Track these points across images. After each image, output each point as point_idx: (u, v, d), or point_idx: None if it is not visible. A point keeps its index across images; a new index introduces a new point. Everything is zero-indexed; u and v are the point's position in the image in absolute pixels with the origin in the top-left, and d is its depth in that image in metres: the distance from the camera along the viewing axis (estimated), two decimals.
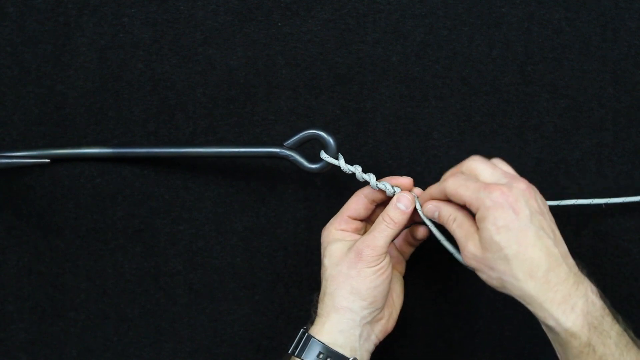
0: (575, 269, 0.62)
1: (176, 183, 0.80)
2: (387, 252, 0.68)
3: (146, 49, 0.79)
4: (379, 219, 0.68)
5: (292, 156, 0.72)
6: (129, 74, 0.79)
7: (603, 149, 0.79)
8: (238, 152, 0.74)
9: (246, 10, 0.79)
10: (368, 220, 0.73)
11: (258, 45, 0.79)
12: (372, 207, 0.71)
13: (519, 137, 0.79)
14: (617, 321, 0.62)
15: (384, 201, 0.71)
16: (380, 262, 0.67)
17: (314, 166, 0.72)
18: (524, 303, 0.62)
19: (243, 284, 0.80)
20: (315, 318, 0.69)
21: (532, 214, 0.61)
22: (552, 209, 0.68)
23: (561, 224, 0.80)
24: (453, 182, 0.65)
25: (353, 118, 0.79)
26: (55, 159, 0.77)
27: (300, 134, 0.72)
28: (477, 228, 0.63)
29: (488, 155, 0.77)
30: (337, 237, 0.70)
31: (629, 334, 0.62)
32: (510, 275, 0.60)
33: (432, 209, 0.67)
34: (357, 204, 0.71)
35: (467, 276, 0.80)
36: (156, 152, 0.76)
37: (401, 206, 0.68)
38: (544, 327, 0.63)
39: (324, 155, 0.71)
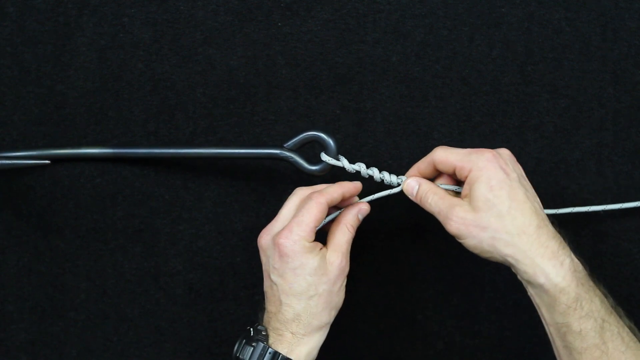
0: (558, 234, 0.64)
1: (176, 183, 0.80)
2: None
3: (146, 49, 0.79)
4: (343, 228, 0.68)
5: (292, 158, 0.72)
6: (129, 74, 0.79)
7: (603, 149, 0.79)
8: (238, 153, 0.74)
9: (246, 10, 0.79)
10: None
11: (258, 45, 0.79)
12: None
13: (519, 137, 0.79)
14: (598, 287, 0.64)
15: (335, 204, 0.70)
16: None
17: (314, 168, 0.72)
18: (514, 262, 0.62)
19: (243, 284, 0.80)
20: (287, 333, 0.65)
21: (519, 177, 0.65)
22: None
23: (561, 224, 0.80)
24: (442, 151, 0.67)
25: (353, 118, 0.79)
26: (55, 159, 0.77)
27: (301, 136, 0.72)
28: (460, 199, 0.66)
29: None
30: (310, 249, 0.65)
31: (609, 300, 0.64)
32: (504, 232, 0.62)
33: (413, 184, 0.69)
34: (322, 213, 0.67)
35: (468, 277, 0.80)
36: (156, 152, 0.76)
37: (361, 217, 0.70)
38: (530, 291, 0.64)
39: (324, 156, 0.71)
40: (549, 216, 0.65)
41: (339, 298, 0.67)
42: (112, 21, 0.79)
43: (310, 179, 0.78)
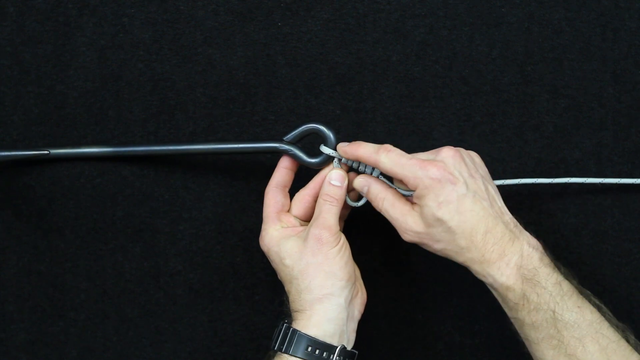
0: (512, 224, 0.66)
1: (176, 183, 0.80)
2: (340, 229, 0.70)
3: (146, 49, 0.79)
4: (320, 200, 0.70)
5: (291, 150, 0.72)
6: (129, 74, 0.79)
7: (603, 149, 0.79)
8: (238, 148, 0.74)
9: (246, 10, 0.79)
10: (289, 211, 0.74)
11: (258, 45, 0.79)
12: (287, 192, 0.73)
13: (519, 137, 0.79)
14: (557, 271, 0.65)
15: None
16: (340, 239, 0.69)
17: (314, 160, 0.72)
18: (466, 266, 0.66)
19: (243, 284, 0.80)
20: (294, 314, 0.68)
21: (465, 180, 0.65)
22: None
23: (561, 224, 0.80)
24: (387, 159, 0.67)
25: (353, 118, 0.79)
26: (55, 159, 0.77)
27: (300, 128, 0.72)
28: (411, 205, 0.67)
29: (488, 155, 0.78)
30: (283, 235, 0.70)
31: (571, 282, 0.65)
32: (455, 245, 0.65)
33: (363, 182, 0.70)
34: (275, 197, 0.71)
35: (468, 277, 0.80)
36: (156, 150, 0.76)
37: (335, 182, 0.70)
38: (488, 287, 0.67)
39: (324, 148, 0.71)
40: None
41: (332, 267, 0.67)
42: (112, 21, 0.79)
43: (310, 177, 0.78)
